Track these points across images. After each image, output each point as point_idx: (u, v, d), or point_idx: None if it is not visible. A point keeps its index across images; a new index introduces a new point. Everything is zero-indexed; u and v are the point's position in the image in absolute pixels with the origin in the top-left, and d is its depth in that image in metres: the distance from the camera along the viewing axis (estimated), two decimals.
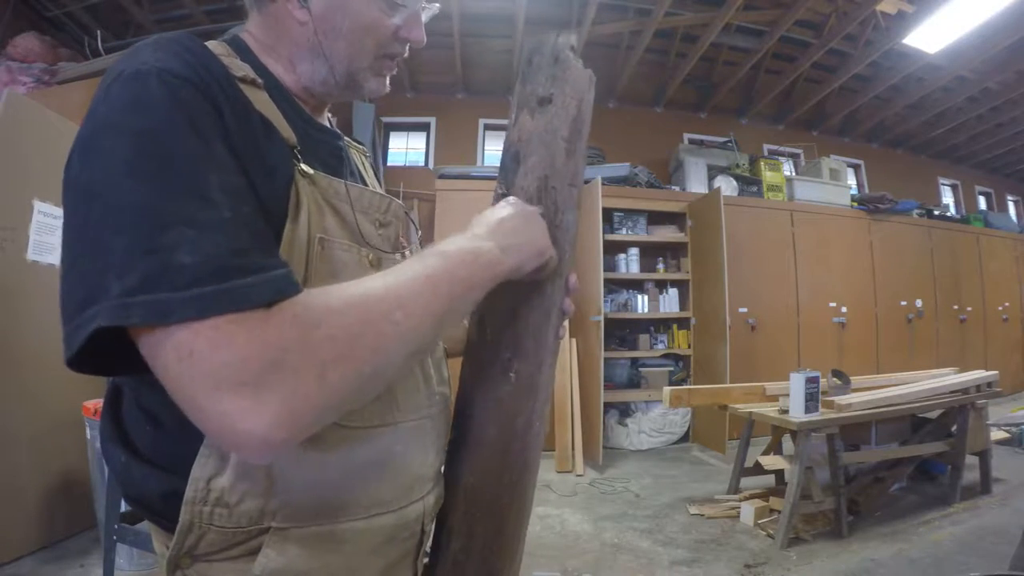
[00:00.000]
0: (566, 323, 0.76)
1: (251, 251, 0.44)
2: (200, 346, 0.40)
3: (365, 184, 0.78)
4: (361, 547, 0.59)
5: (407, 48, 0.70)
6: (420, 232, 0.84)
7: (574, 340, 4.57)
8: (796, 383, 2.81)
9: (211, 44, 0.58)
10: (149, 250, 0.41)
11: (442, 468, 0.72)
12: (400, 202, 0.72)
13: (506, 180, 0.73)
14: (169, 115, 0.45)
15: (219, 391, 0.40)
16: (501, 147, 0.76)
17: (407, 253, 0.74)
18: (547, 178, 0.71)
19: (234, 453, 0.44)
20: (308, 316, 0.43)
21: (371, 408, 0.59)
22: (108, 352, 0.43)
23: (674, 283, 5.18)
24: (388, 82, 0.71)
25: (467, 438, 0.71)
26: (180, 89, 0.47)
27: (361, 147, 0.87)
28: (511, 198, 0.67)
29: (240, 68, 0.57)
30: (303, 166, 0.57)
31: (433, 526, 0.71)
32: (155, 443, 0.56)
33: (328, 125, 0.74)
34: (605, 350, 4.56)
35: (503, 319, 0.71)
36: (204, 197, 0.44)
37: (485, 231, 0.60)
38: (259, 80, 0.58)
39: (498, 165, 0.75)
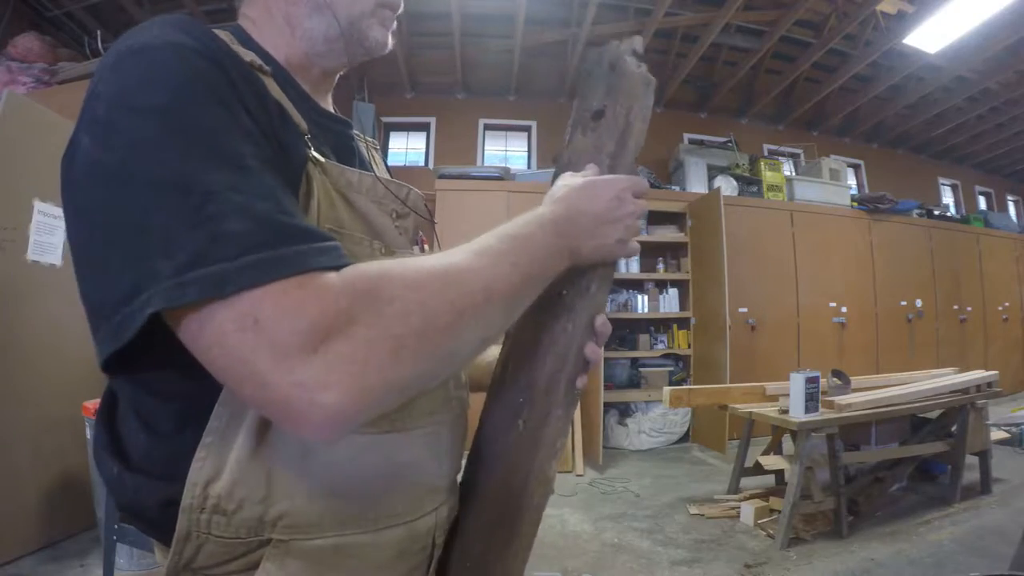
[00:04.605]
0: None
1: (299, 218, 0.42)
2: (265, 313, 0.37)
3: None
4: (368, 561, 0.54)
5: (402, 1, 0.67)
6: (437, 223, 0.80)
7: None
8: (796, 383, 2.81)
9: (214, 31, 0.56)
10: (195, 224, 0.38)
11: (458, 478, 0.67)
12: (419, 191, 0.68)
13: None
14: (189, 86, 0.43)
15: (288, 360, 0.37)
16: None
17: (427, 248, 0.71)
18: None
19: (297, 431, 0.40)
20: (380, 289, 0.41)
21: None
22: (135, 348, 0.41)
23: (674, 283, 5.18)
24: (390, 38, 0.68)
25: (466, 484, 0.67)
26: (194, 60, 0.44)
27: (371, 141, 0.84)
28: (608, 176, 0.65)
29: (246, 54, 0.55)
30: (315, 153, 0.55)
31: (444, 539, 0.66)
32: (149, 450, 0.53)
33: (334, 113, 0.71)
34: (605, 350, 4.53)
35: (523, 357, 0.64)
36: (241, 167, 0.41)
37: (566, 223, 0.60)
38: (266, 67, 0.56)
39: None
